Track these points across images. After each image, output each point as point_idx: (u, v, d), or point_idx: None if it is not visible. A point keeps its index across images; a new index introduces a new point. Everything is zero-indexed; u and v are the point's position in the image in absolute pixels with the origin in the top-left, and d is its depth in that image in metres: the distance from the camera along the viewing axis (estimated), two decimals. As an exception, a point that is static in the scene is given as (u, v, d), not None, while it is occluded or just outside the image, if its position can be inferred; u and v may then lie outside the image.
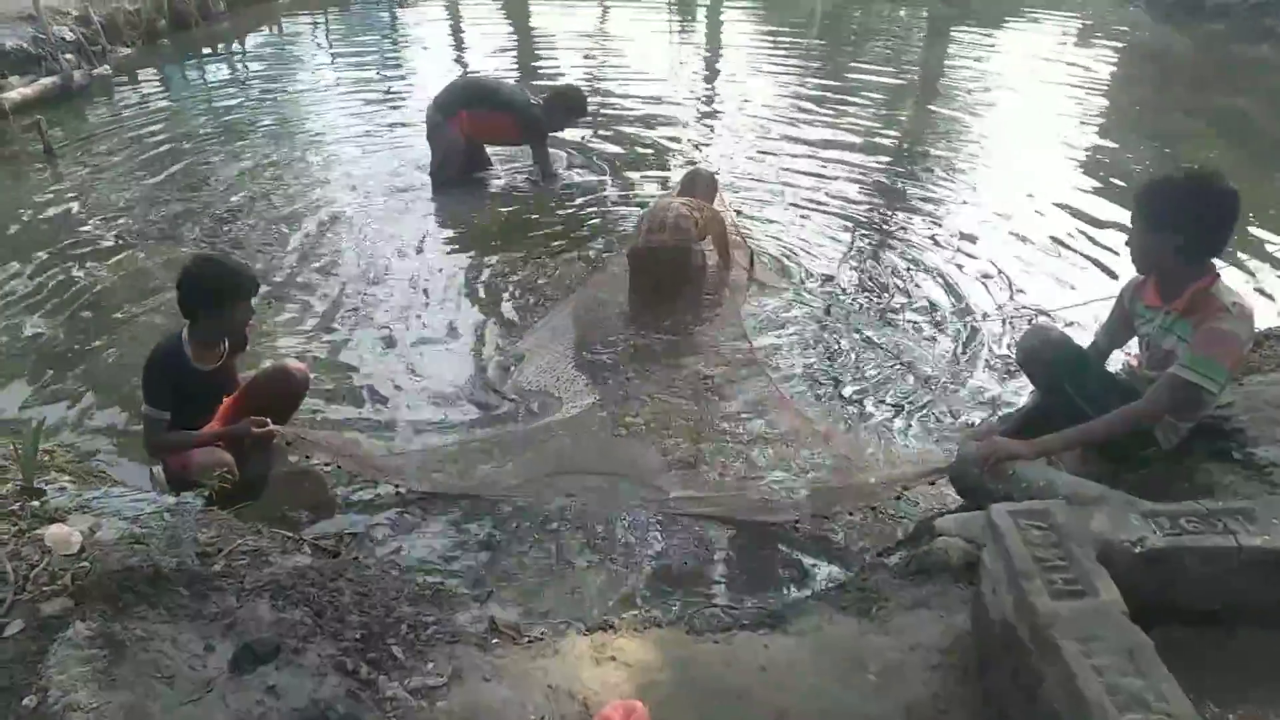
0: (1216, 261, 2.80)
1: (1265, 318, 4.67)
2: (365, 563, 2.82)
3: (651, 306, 4.94)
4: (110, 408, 4.00)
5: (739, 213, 5.85)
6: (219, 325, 3.35)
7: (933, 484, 3.28)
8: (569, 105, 6.51)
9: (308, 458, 3.65)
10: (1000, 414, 3.69)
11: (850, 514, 3.34)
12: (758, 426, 3.86)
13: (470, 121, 6.47)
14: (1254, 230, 5.77)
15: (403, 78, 9.78)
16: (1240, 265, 5.33)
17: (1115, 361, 3.32)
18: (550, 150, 6.76)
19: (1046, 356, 3.07)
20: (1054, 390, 3.07)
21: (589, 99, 6.87)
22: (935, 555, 2.63)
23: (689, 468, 3.61)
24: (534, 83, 9.23)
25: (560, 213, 6.25)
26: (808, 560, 3.14)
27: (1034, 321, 4.46)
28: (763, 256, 5.46)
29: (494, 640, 2.41)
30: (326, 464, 3.63)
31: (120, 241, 5.64)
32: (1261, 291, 5.07)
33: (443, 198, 6.49)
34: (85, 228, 5.87)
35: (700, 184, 5.46)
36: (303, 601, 2.36)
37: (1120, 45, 11.78)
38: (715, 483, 3.52)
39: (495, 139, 6.79)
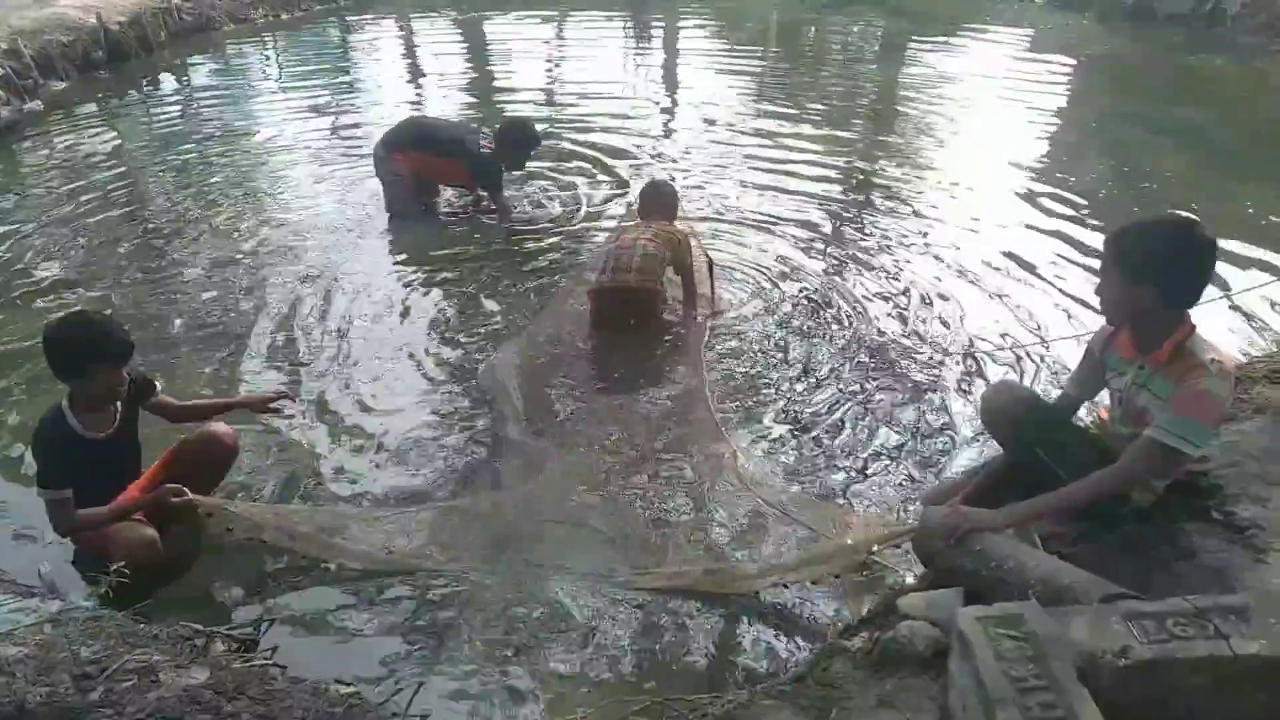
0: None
1: (1232, 337, 4.55)
2: (272, 673, 2.52)
3: (608, 349, 4.73)
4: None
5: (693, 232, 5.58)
6: (89, 393, 3.06)
7: (898, 547, 3.07)
8: (519, 139, 6.19)
9: (229, 530, 3.35)
10: (964, 470, 3.47)
11: (813, 582, 3.12)
12: (715, 493, 3.62)
13: (413, 162, 6.21)
14: (1226, 241, 5.63)
15: (355, 107, 9.47)
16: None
17: (1083, 411, 3.13)
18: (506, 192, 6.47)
19: (1013, 415, 2.87)
20: (1021, 450, 2.86)
21: (538, 124, 6.61)
22: (899, 642, 2.39)
23: (642, 540, 3.37)
24: (486, 111, 9.07)
25: (513, 241, 6.04)
26: (763, 641, 2.90)
27: (1001, 378, 4.19)
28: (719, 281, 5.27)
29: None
30: (249, 538, 3.34)
31: (42, 300, 5.30)
32: (1230, 307, 4.91)
33: (395, 232, 6.23)
34: (10, 280, 5.53)
35: (661, 198, 5.16)
36: (191, 733, 2.09)
37: (1074, 57, 11.74)
38: (671, 555, 3.28)
39: (444, 182, 6.51)
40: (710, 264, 5.16)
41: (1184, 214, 2.60)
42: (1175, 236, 2.49)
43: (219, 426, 3.53)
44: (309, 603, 3.17)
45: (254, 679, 2.41)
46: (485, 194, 6.42)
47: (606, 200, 6.75)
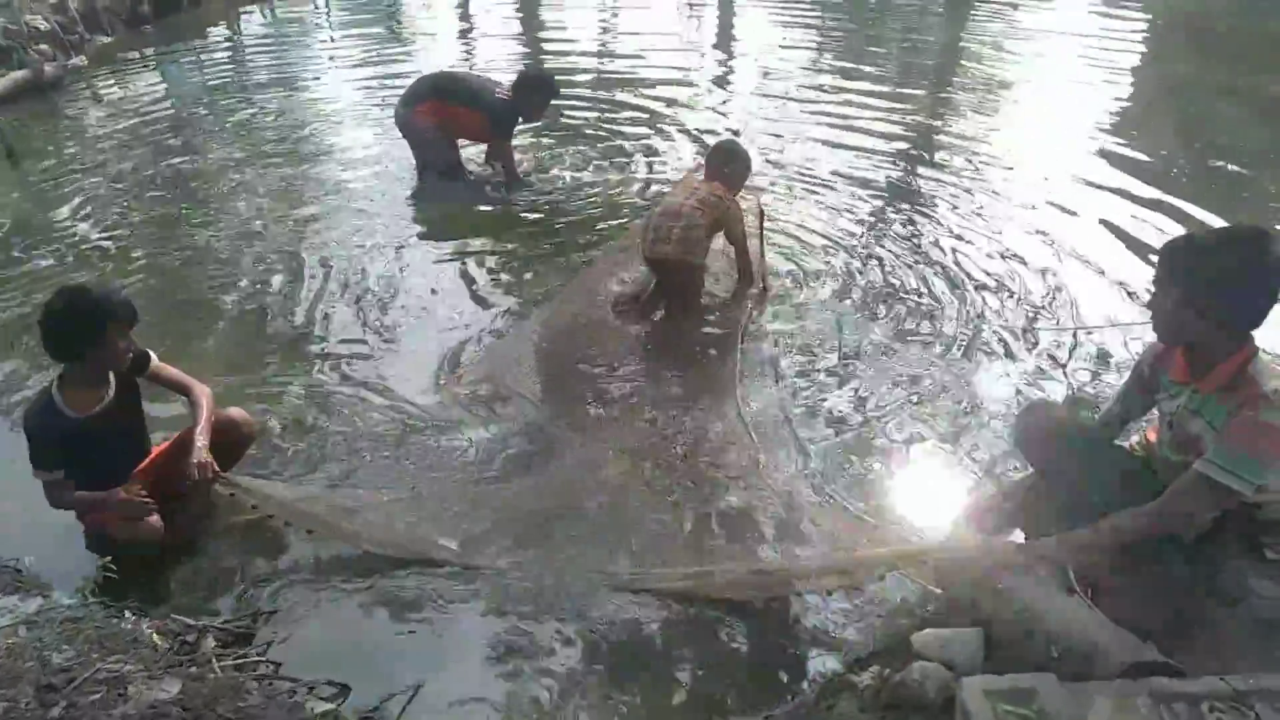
0: None
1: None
2: (248, 686, 2.43)
3: (637, 332, 4.57)
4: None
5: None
6: (92, 364, 3.00)
7: (923, 564, 2.87)
8: (535, 86, 6.02)
9: (254, 507, 3.25)
10: (1002, 488, 3.22)
11: (829, 593, 2.94)
12: (733, 496, 3.43)
13: (435, 113, 6.06)
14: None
15: (405, 57, 9.31)
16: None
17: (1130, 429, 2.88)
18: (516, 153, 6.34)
19: (1050, 439, 2.64)
20: (1057, 477, 2.63)
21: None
22: (909, 687, 2.22)
23: (651, 541, 3.21)
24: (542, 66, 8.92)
25: (549, 207, 5.87)
26: (769, 665, 2.73)
27: (1035, 399, 3.83)
28: (775, 268, 5.05)
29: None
30: (269, 516, 3.24)
31: (89, 261, 5.27)
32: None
33: (431, 193, 6.13)
34: (43, 242, 5.50)
35: (727, 161, 4.78)
36: (149, 758, 2.00)
37: (1151, 16, 11.07)
38: (682, 558, 3.13)
39: (464, 135, 6.30)
40: (762, 239, 4.92)
41: (1251, 226, 2.29)
42: (1240, 254, 2.21)
43: (236, 412, 3.44)
44: (312, 596, 3.07)
45: (227, 691, 2.32)
46: (495, 143, 6.25)
47: (656, 165, 6.55)
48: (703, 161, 5.05)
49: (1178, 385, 2.47)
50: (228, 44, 10.51)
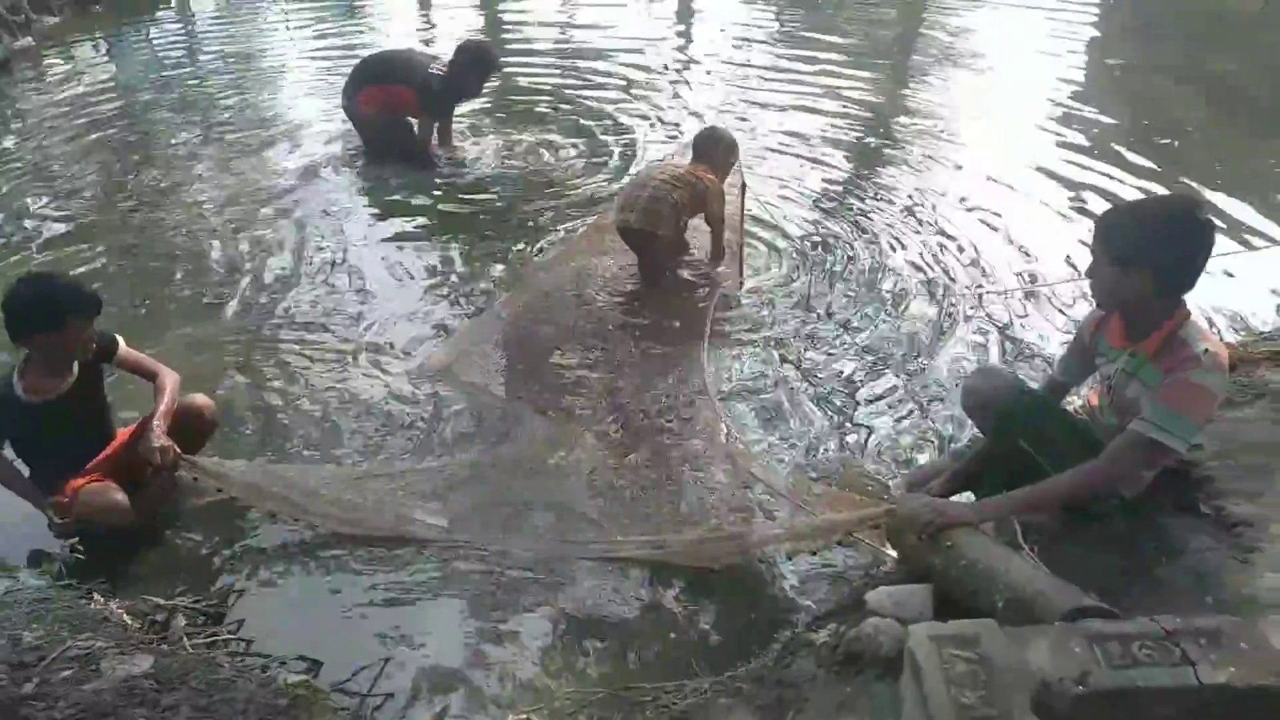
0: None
1: (1250, 302, 4.36)
2: (219, 661, 2.46)
3: (607, 307, 4.63)
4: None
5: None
6: (53, 351, 3.00)
7: (876, 528, 2.97)
8: (473, 61, 5.97)
9: (219, 490, 3.27)
10: (951, 450, 3.35)
11: (789, 556, 3.04)
12: (699, 465, 3.53)
13: (375, 97, 6.05)
14: (1242, 205, 5.42)
15: (361, 43, 9.21)
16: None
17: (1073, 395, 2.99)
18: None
19: (995, 403, 2.74)
20: (1003, 439, 2.74)
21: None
22: (864, 641, 2.30)
23: (619, 510, 3.29)
24: (501, 45, 8.87)
25: (507, 197, 5.84)
26: (729, 625, 2.82)
27: (983, 364, 4.00)
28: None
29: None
30: (232, 498, 3.26)
31: (41, 241, 5.22)
32: (1245, 272, 4.70)
33: (379, 177, 6.08)
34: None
35: (709, 144, 4.81)
36: (123, 730, 2.04)
37: (1102, 2, 11.27)
38: (648, 526, 3.21)
39: (399, 114, 6.20)
40: (742, 212, 4.99)
41: (1178, 194, 2.41)
42: (1169, 220, 2.32)
43: (199, 398, 3.43)
44: (280, 574, 3.13)
45: (199, 666, 2.36)
46: (426, 121, 6.20)
47: (617, 145, 6.57)
48: (687, 145, 5.08)
49: (1115, 350, 2.58)
50: (177, 22, 10.34)
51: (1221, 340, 2.45)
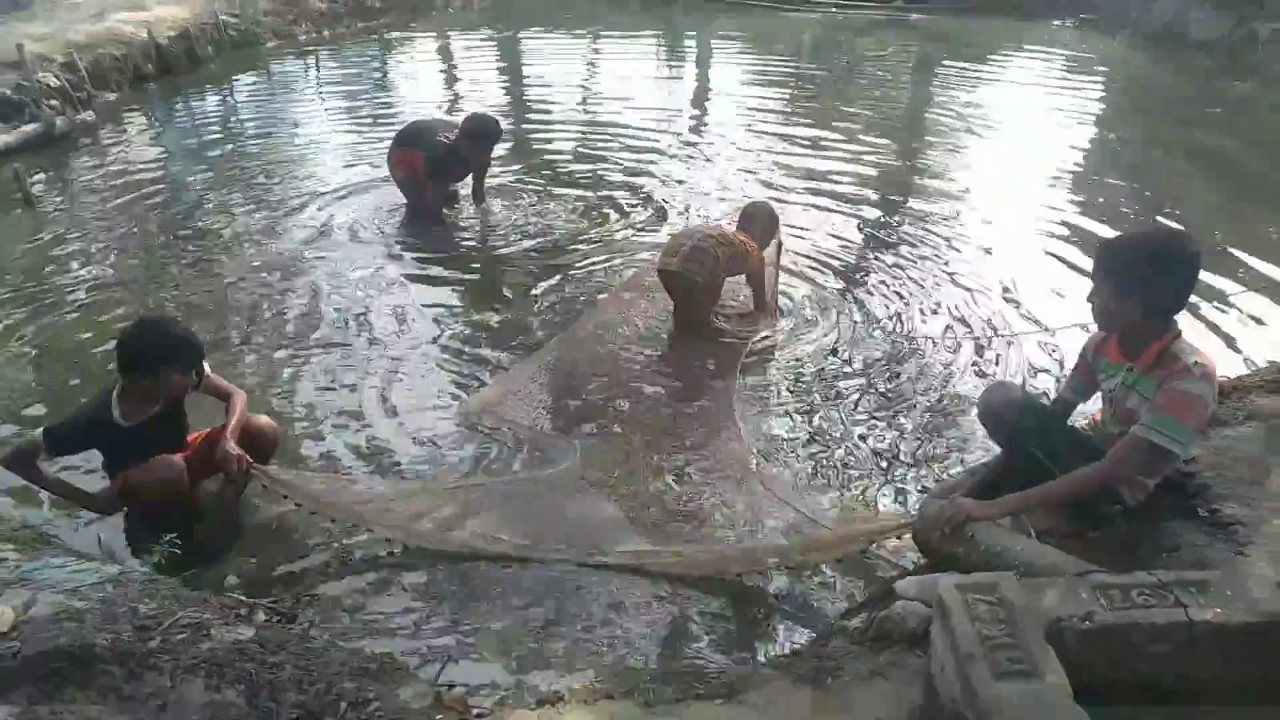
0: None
1: (1239, 361, 4.65)
2: (311, 635, 2.73)
3: (643, 355, 4.95)
4: (67, 471, 3.89)
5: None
6: (149, 390, 3.32)
7: (899, 539, 3.23)
8: (477, 131, 6.52)
9: (284, 496, 3.54)
10: (968, 468, 3.62)
11: (814, 568, 3.28)
12: (727, 489, 3.79)
13: (399, 160, 6.63)
14: (1228, 266, 5.75)
15: (390, 119, 9.80)
16: (1210, 305, 5.27)
17: (1079, 415, 3.27)
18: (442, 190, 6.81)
19: (1008, 415, 3.03)
20: (1017, 448, 3.02)
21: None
22: (893, 620, 2.56)
23: (654, 526, 3.55)
24: (525, 116, 9.49)
25: (536, 253, 6.24)
26: (769, 621, 3.07)
27: (997, 379, 4.39)
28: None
29: (438, 717, 2.35)
30: (298, 505, 3.52)
31: (93, 297, 5.55)
32: (1238, 325, 5.04)
33: (416, 234, 6.53)
34: (57, 278, 5.80)
35: (761, 218, 5.32)
36: (239, 679, 2.29)
37: (1105, 80, 11.85)
38: (679, 538, 3.47)
39: (419, 176, 6.66)
40: (778, 269, 5.40)
41: (1170, 227, 2.74)
42: (1160, 247, 2.65)
43: (263, 419, 3.74)
44: (343, 583, 3.35)
45: (295, 639, 2.62)
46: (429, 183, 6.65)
47: (636, 212, 6.97)
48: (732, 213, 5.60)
49: (1114, 366, 2.88)
50: (221, 95, 10.99)
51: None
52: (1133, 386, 2.79)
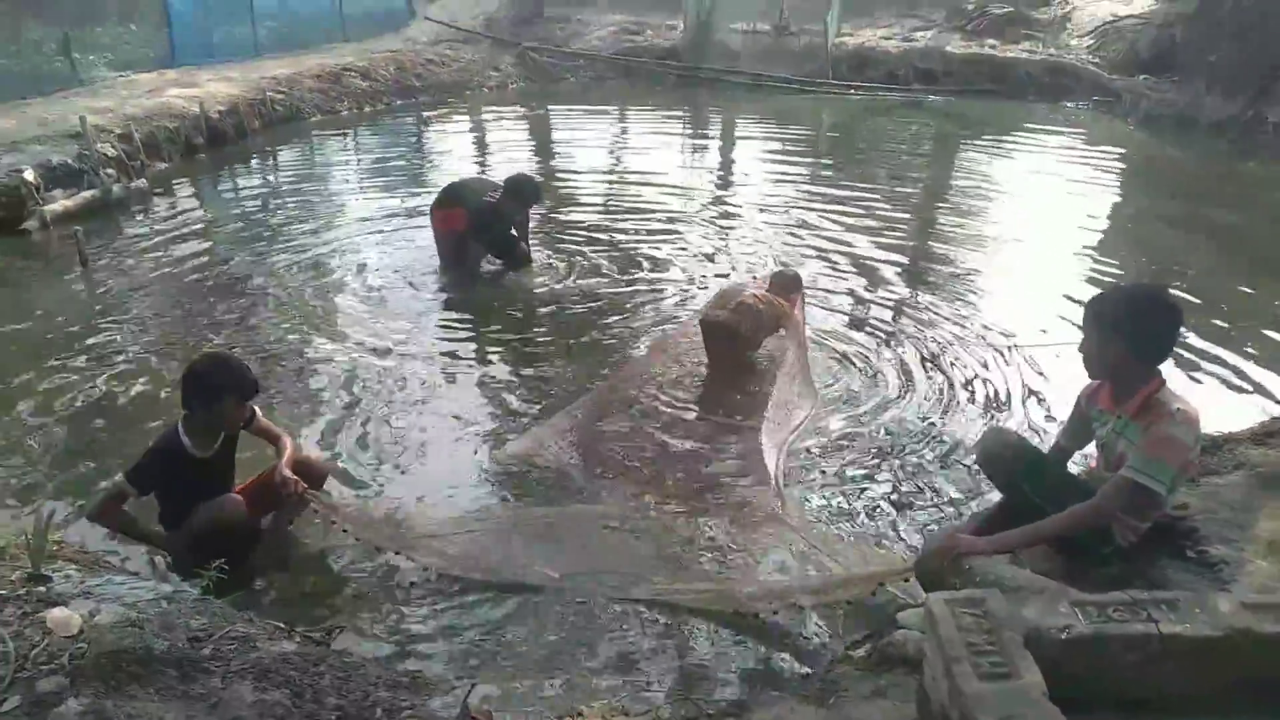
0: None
1: (1239, 419, 4.78)
2: (350, 651, 2.92)
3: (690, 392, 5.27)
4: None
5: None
6: (212, 419, 3.58)
7: (906, 580, 3.38)
8: (517, 190, 6.90)
9: (333, 522, 3.80)
10: (972, 513, 3.79)
11: (827, 607, 3.44)
12: (749, 536, 3.96)
13: (439, 218, 7.02)
14: (1233, 335, 5.93)
15: (424, 190, 10.25)
16: (1214, 369, 5.44)
17: (1077, 462, 3.45)
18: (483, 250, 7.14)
19: (1006, 459, 3.21)
20: (1014, 490, 3.20)
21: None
22: (895, 646, 2.73)
23: (676, 564, 3.73)
24: (554, 186, 10.05)
25: (570, 312, 6.56)
26: (779, 652, 3.22)
27: (995, 425, 4.59)
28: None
29: (465, 725, 2.52)
30: (345, 530, 3.77)
31: (142, 352, 5.86)
32: (1239, 388, 5.22)
33: (448, 290, 6.94)
34: (111, 337, 6.11)
35: (788, 282, 5.78)
36: (284, 684, 2.48)
37: (1120, 162, 12.16)
38: (700, 576, 3.65)
39: (461, 234, 6.99)
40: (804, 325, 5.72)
41: (1153, 283, 2.97)
42: (1143, 301, 2.88)
43: (313, 454, 4.02)
44: (380, 607, 3.56)
45: (333, 654, 2.82)
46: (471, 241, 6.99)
47: (662, 281, 7.25)
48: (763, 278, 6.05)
49: (1106, 414, 3.07)
50: (269, 170, 11.56)
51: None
52: (1121, 433, 2.98)
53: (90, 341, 5.99)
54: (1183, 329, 3.00)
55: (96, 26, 14.14)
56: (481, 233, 6.94)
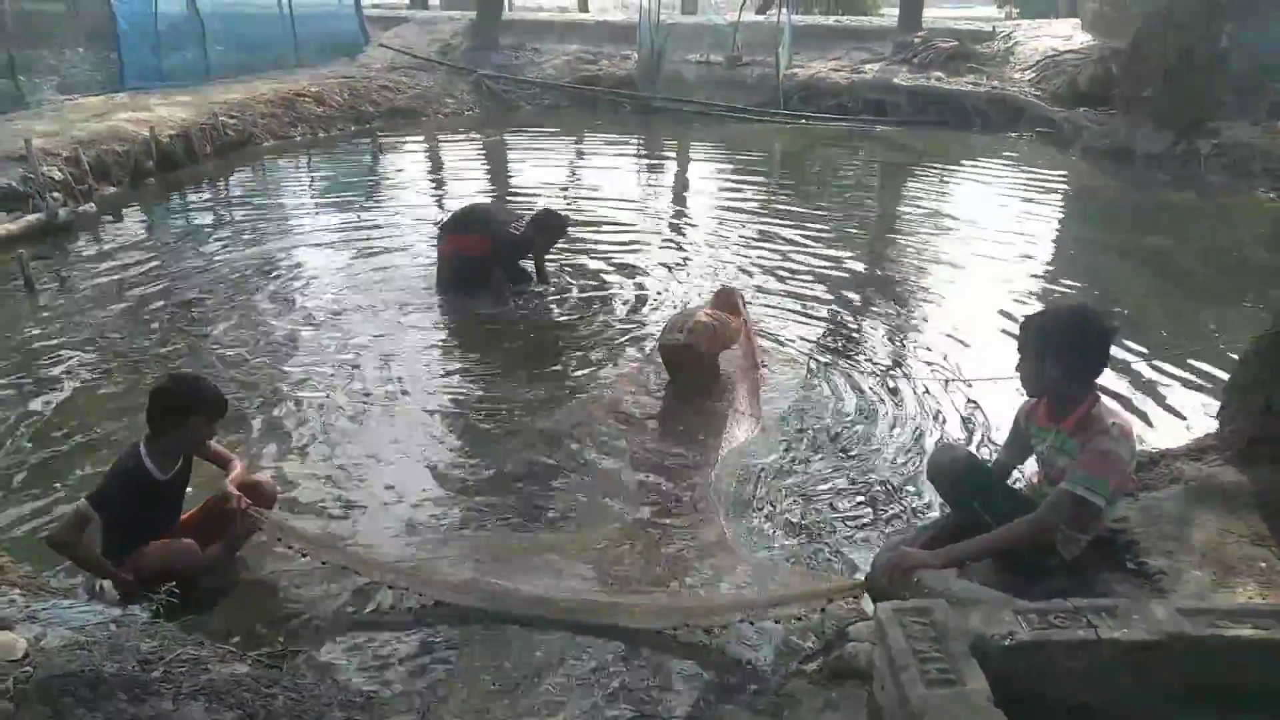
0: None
1: (1174, 436, 4.94)
2: (304, 673, 2.90)
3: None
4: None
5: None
6: (179, 438, 3.55)
7: (856, 598, 3.44)
8: (545, 224, 7.11)
9: (289, 547, 3.75)
10: (921, 524, 3.86)
11: (776, 622, 3.48)
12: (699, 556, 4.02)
13: (452, 243, 7.09)
14: (1168, 356, 6.13)
15: (379, 215, 10.22)
16: (1151, 388, 5.62)
17: (1016, 479, 3.55)
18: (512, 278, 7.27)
19: (953, 473, 3.30)
20: (961, 504, 3.28)
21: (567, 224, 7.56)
22: (846, 659, 2.78)
23: (623, 580, 3.77)
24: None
25: (547, 331, 6.69)
26: (733, 670, 3.26)
27: (943, 441, 4.73)
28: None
29: (421, 745, 2.52)
30: (291, 549, 3.74)
31: (87, 376, 5.76)
32: (1173, 407, 5.38)
33: (438, 309, 7.04)
34: (55, 360, 6.00)
35: (732, 298, 6.03)
36: (236, 706, 2.46)
37: (1061, 192, 12.53)
38: (658, 595, 3.68)
39: (475, 259, 7.09)
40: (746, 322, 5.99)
41: (1082, 303, 3.09)
42: (1072, 320, 3.00)
43: (261, 476, 3.98)
44: (334, 628, 3.55)
45: (287, 675, 2.79)
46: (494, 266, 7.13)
47: (613, 310, 7.31)
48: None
49: (1044, 430, 3.18)
50: (213, 192, 11.45)
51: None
52: (1061, 448, 3.09)
53: (34, 364, 5.90)
54: (1113, 346, 3.12)
55: (43, 49, 13.95)
56: (508, 262, 7.14)
